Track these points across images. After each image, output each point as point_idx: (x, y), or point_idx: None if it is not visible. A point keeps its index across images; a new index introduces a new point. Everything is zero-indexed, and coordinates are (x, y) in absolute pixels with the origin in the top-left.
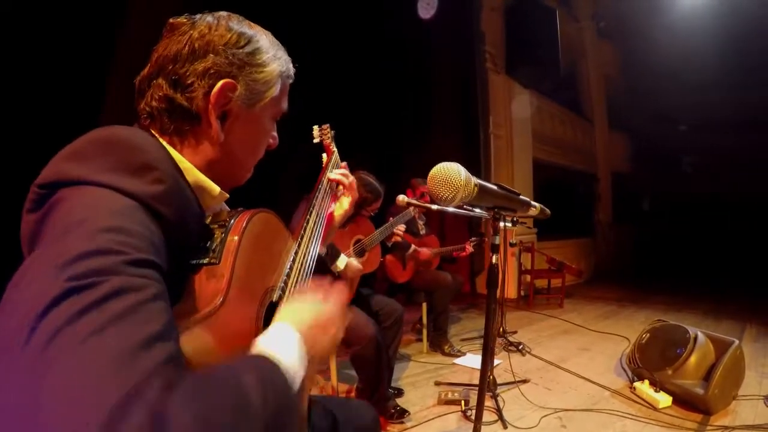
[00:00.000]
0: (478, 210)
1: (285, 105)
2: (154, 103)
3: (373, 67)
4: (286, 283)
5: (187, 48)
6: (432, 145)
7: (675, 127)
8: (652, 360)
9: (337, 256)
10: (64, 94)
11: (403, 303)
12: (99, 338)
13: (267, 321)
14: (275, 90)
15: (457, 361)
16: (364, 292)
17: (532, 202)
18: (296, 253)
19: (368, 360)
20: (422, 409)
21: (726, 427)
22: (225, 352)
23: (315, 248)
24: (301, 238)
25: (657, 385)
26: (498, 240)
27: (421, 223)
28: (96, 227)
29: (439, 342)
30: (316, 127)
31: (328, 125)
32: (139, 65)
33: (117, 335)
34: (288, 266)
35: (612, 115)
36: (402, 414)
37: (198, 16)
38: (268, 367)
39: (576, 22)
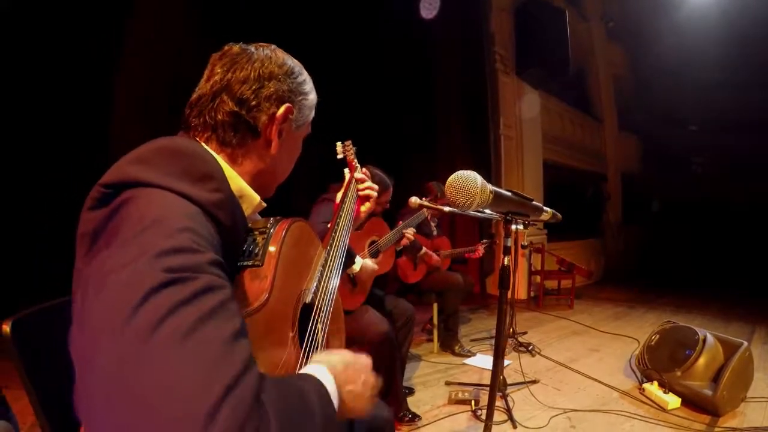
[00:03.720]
0: (488, 211)
1: (310, 128)
2: (219, 117)
3: (381, 68)
4: (318, 286)
5: (253, 73)
6: (440, 146)
7: (685, 128)
8: (661, 361)
9: (352, 258)
10: (72, 94)
11: (414, 303)
12: (203, 328)
13: (301, 321)
14: (311, 114)
15: (468, 361)
16: (376, 292)
17: (544, 207)
18: (326, 260)
19: (381, 358)
20: (432, 409)
21: (734, 429)
22: (266, 344)
23: (343, 250)
24: (330, 246)
25: (666, 387)
26: (510, 242)
27: (433, 224)
28: (175, 226)
29: (449, 342)
30: (339, 144)
31: (350, 141)
32: (145, 65)
33: (217, 326)
34: (319, 271)
35: (621, 116)
36: (413, 419)
37: (252, 47)
38: (318, 382)
39: (585, 22)
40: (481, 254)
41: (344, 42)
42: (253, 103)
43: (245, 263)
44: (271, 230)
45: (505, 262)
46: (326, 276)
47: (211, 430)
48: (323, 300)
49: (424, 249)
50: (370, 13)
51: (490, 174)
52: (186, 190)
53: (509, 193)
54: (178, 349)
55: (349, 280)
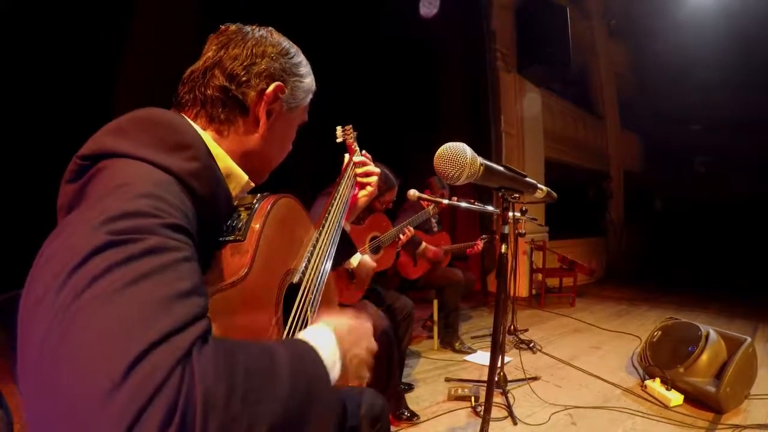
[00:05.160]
0: (490, 207)
1: (306, 116)
2: (208, 92)
3: (382, 66)
4: (306, 267)
5: (245, 51)
6: (442, 144)
7: (688, 127)
8: (663, 358)
9: (353, 248)
10: (73, 95)
11: (414, 300)
12: (135, 288)
13: (287, 302)
14: (307, 100)
15: (468, 358)
16: (375, 288)
17: (539, 185)
18: (317, 240)
19: (380, 353)
20: (432, 405)
21: (738, 426)
22: (244, 322)
23: (336, 233)
24: (323, 227)
25: (668, 383)
26: (507, 230)
27: (433, 220)
28: (136, 192)
29: (449, 339)
30: (339, 128)
31: (350, 126)
32: (146, 66)
33: (153, 286)
34: (309, 251)
35: (624, 114)
36: (411, 418)
37: (249, 27)
38: (305, 349)
39: (587, 20)
40: (480, 249)
41: (346, 42)
42: (243, 78)
43: (227, 238)
44: (256, 205)
45: (503, 250)
46: (317, 257)
47: (118, 395)
48: (312, 281)
49: (423, 244)
50: (371, 13)
51: None
52: (159, 159)
53: (501, 168)
54: (103, 309)
55: (347, 274)
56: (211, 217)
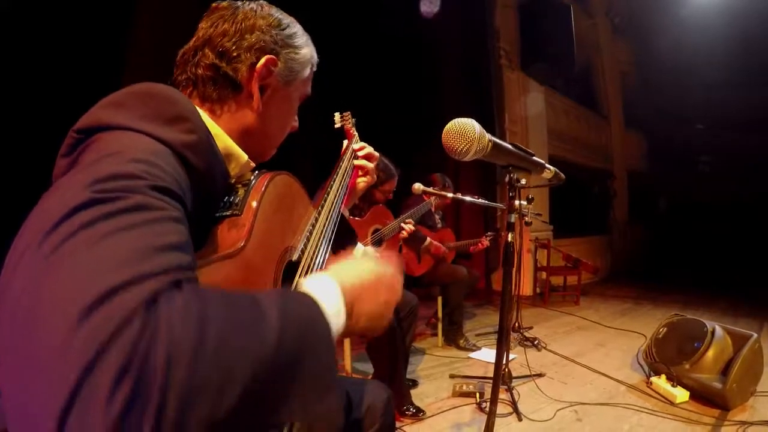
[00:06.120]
0: (495, 204)
1: (309, 89)
2: (199, 71)
3: (385, 64)
4: (305, 245)
5: (234, 26)
6: None
7: (692, 126)
8: (669, 354)
9: (353, 238)
10: (78, 96)
11: (418, 297)
12: (115, 237)
13: (285, 279)
14: (306, 72)
15: (472, 355)
16: None
17: (547, 165)
18: (317, 218)
19: (384, 348)
20: (437, 401)
21: (744, 423)
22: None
23: (336, 214)
24: (322, 207)
25: (674, 380)
26: (513, 218)
27: (437, 217)
28: (128, 158)
29: (454, 336)
30: (337, 114)
31: (349, 112)
32: (152, 64)
33: (133, 238)
34: (308, 230)
35: (628, 113)
36: (417, 413)
37: (239, 2)
38: (302, 300)
39: (590, 19)
40: (485, 245)
41: (349, 40)
42: (234, 54)
43: (224, 213)
44: (254, 182)
45: (509, 239)
46: (316, 236)
47: (78, 333)
48: (311, 260)
49: (428, 240)
50: (374, 11)
51: (495, 167)
52: (155, 131)
53: (509, 146)
54: (79, 256)
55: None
56: (207, 191)
